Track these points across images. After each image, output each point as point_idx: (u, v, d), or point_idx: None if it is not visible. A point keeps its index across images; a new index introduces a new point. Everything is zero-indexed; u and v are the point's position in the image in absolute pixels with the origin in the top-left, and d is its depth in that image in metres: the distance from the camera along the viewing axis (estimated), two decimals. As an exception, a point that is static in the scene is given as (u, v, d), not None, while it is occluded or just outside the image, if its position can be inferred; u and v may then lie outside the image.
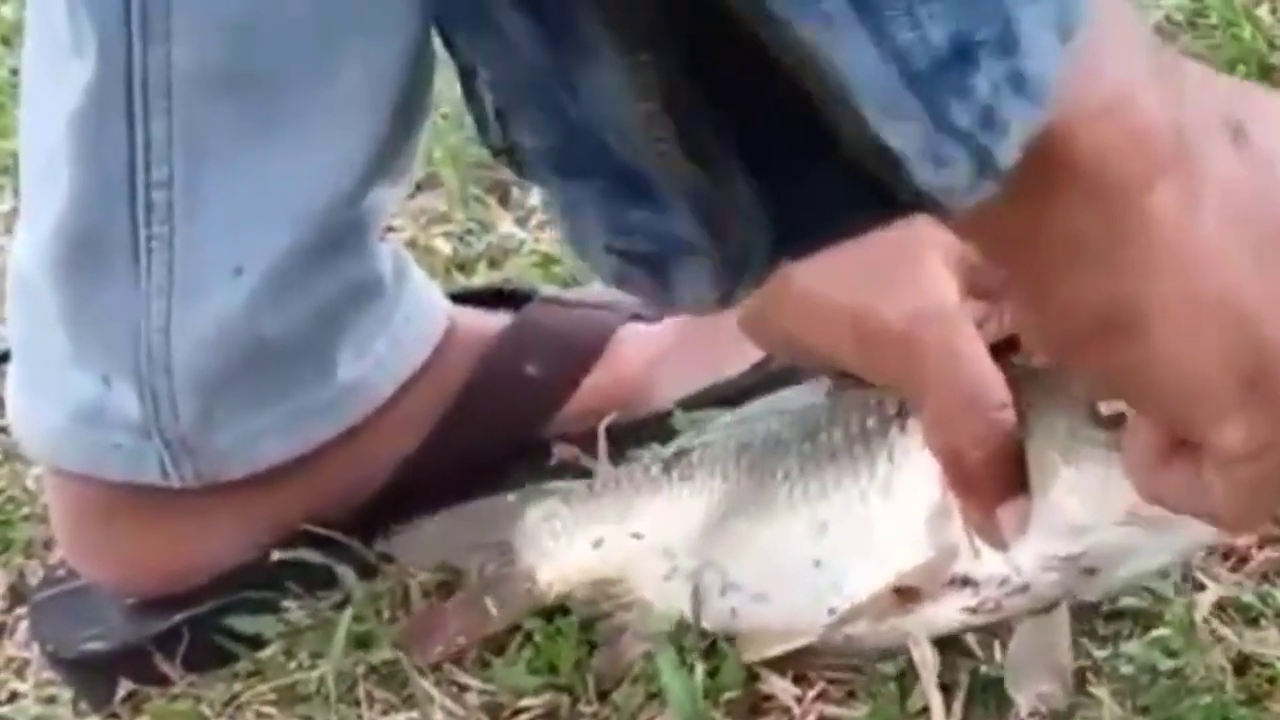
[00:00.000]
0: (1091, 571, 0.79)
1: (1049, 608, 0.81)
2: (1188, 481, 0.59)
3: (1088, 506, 0.76)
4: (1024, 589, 0.79)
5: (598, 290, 1.11)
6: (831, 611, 0.83)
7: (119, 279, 0.91)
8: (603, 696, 0.87)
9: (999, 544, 0.78)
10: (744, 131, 0.47)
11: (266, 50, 0.88)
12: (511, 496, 0.95)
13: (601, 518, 0.91)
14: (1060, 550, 0.77)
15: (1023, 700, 0.82)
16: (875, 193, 0.47)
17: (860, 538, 0.83)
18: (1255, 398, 0.56)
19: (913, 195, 0.46)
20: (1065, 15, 0.47)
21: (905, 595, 0.81)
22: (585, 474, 0.97)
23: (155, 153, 0.89)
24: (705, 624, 0.87)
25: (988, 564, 0.79)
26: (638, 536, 0.89)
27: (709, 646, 0.86)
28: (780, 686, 0.85)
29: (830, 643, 0.84)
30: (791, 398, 0.89)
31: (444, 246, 1.28)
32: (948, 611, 0.81)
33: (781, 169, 0.48)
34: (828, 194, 0.48)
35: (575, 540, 0.91)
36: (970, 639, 0.86)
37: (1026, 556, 0.78)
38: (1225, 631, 0.85)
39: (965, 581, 0.80)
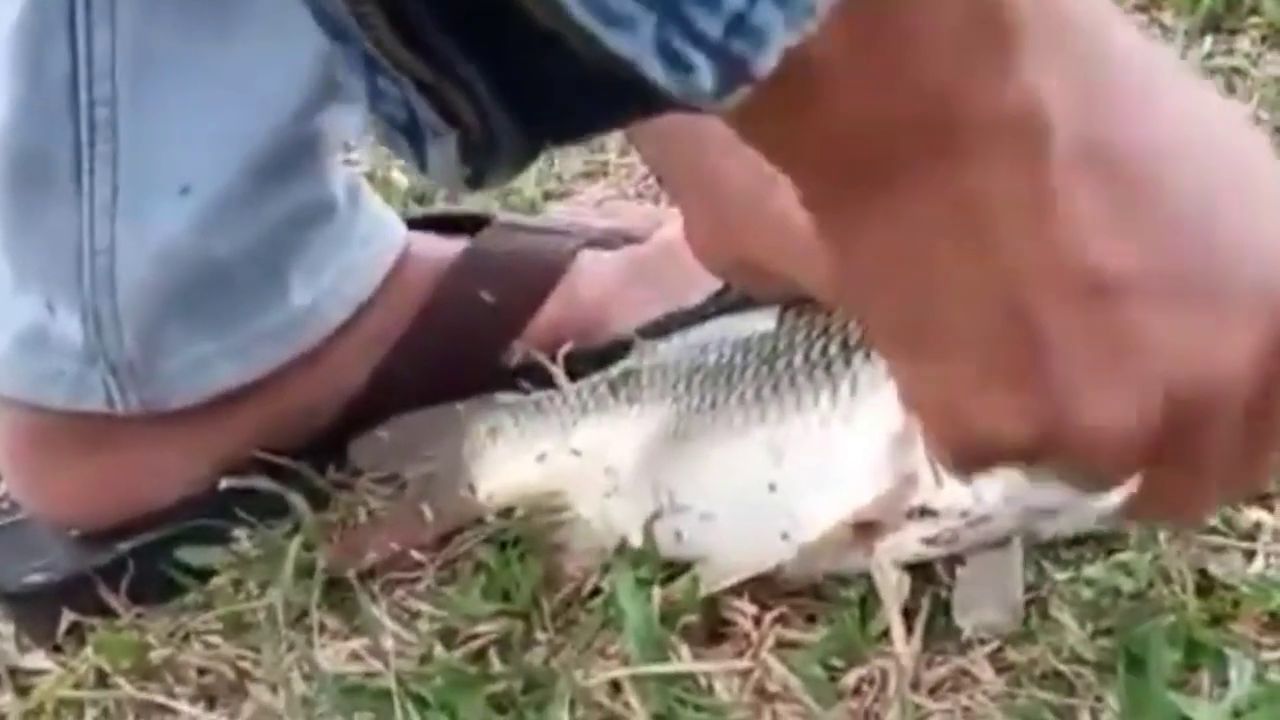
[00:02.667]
0: (1051, 512, 0.78)
1: (1004, 541, 0.79)
2: None
3: None
4: (985, 520, 0.78)
5: (556, 217, 1.10)
6: (785, 536, 0.81)
7: (61, 199, 0.89)
8: (557, 623, 0.86)
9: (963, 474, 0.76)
10: (464, 22, 0.46)
11: None
12: (461, 406, 0.94)
13: (546, 433, 0.90)
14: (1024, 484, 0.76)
15: (968, 627, 0.81)
16: (627, 87, 0.45)
17: (819, 464, 0.81)
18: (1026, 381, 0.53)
19: (664, 93, 0.45)
20: None
21: (865, 527, 0.79)
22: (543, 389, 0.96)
23: (98, 68, 0.86)
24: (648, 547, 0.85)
25: (949, 494, 0.78)
26: (577, 453, 0.88)
27: (667, 571, 0.85)
28: (739, 610, 0.83)
29: (784, 573, 0.83)
30: (743, 324, 0.88)
31: (402, 179, 1.26)
32: (906, 542, 0.80)
33: (515, 60, 0.47)
34: (573, 85, 0.46)
35: (519, 453, 0.90)
36: (936, 565, 0.84)
37: (989, 487, 0.77)
38: (1187, 555, 0.84)
39: (924, 512, 0.79)
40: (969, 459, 0.56)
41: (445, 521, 0.91)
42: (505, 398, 0.94)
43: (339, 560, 0.91)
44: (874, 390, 0.80)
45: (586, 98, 0.47)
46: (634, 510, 0.86)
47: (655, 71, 0.44)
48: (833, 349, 0.82)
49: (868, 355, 0.80)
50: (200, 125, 0.89)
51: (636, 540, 0.85)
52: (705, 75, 0.44)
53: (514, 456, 0.90)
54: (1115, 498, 0.61)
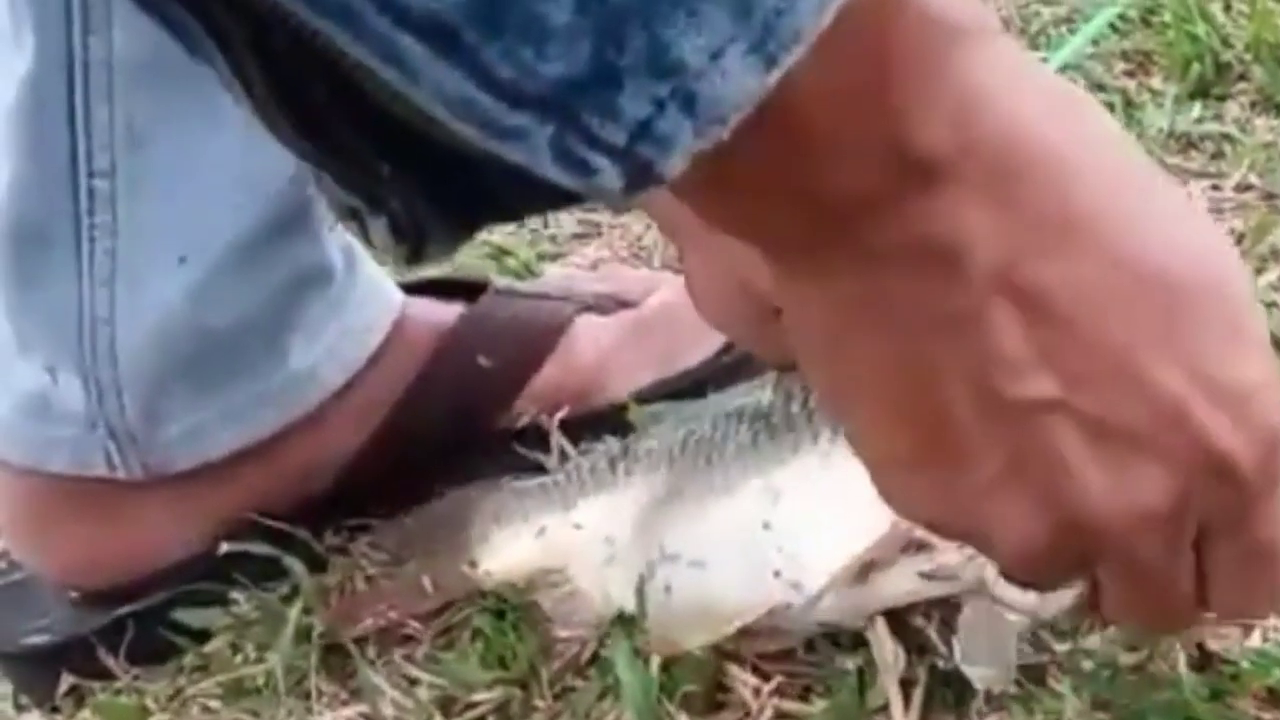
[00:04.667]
0: None
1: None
2: None
3: None
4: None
5: (552, 282, 1.10)
6: (778, 574, 0.81)
7: (62, 270, 0.90)
8: (555, 691, 0.86)
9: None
10: (375, 125, 0.48)
11: None
12: (473, 493, 0.94)
13: (548, 510, 0.90)
14: None
15: (973, 679, 0.80)
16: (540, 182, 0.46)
17: (818, 501, 0.81)
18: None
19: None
20: (764, 43, 0.44)
21: (864, 565, 0.79)
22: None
23: (96, 141, 0.87)
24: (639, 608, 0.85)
25: None
26: (579, 527, 0.88)
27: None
28: (738, 679, 0.84)
29: (783, 622, 0.82)
30: (740, 394, 0.88)
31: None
32: (904, 579, 0.79)
33: (429, 155, 0.49)
34: (493, 173, 0.47)
35: (520, 532, 0.90)
36: (931, 634, 0.85)
37: None
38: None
39: (922, 546, 0.78)
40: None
41: (444, 593, 0.91)
42: (515, 483, 0.94)
43: (335, 623, 0.91)
44: None
45: (508, 185, 0.48)
46: (630, 575, 0.86)
47: (554, 174, 0.45)
48: None
49: None
50: (197, 194, 0.90)
51: (630, 605, 0.86)
52: (610, 176, 0.45)
53: (516, 536, 0.90)
54: (1064, 598, 0.63)
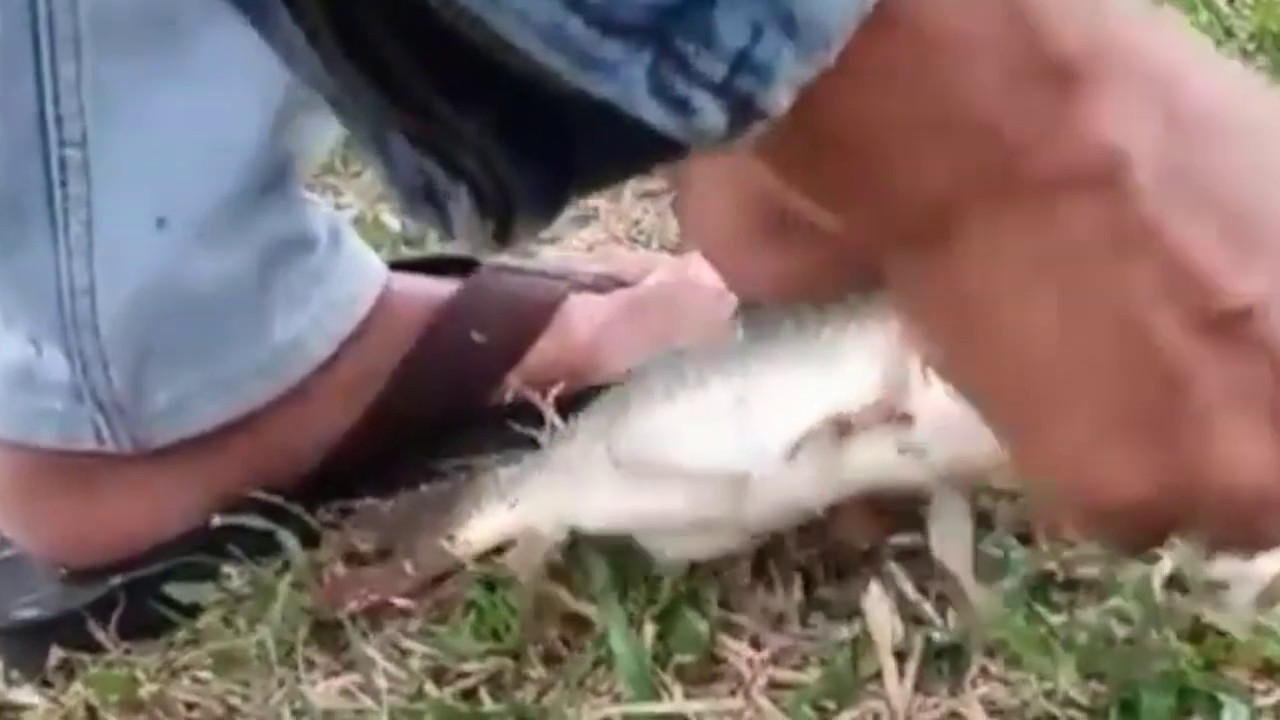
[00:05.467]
0: None
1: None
2: None
3: None
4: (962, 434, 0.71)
5: (547, 259, 1.10)
6: (743, 437, 0.78)
7: (38, 241, 0.89)
8: (548, 661, 0.86)
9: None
10: (457, 82, 0.45)
11: None
12: (449, 485, 0.95)
13: (522, 482, 0.89)
14: None
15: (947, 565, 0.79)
16: (639, 132, 0.43)
17: (799, 380, 0.77)
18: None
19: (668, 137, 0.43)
20: None
21: (843, 426, 0.76)
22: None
23: (65, 108, 0.87)
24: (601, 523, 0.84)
25: (935, 396, 0.72)
26: (550, 483, 0.87)
27: (661, 610, 0.85)
28: (732, 649, 0.83)
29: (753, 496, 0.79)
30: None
31: (392, 222, 1.27)
32: (880, 449, 0.76)
33: (515, 114, 0.46)
34: (583, 133, 0.45)
35: (498, 510, 0.89)
36: (926, 606, 0.84)
37: None
38: (1181, 600, 0.84)
39: (905, 418, 0.75)
40: (1103, 529, 0.52)
41: (423, 572, 0.90)
42: (500, 469, 0.93)
43: (322, 606, 0.91)
44: (862, 330, 0.75)
45: (599, 141, 0.46)
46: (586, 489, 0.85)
47: (651, 114, 0.42)
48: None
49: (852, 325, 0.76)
50: (171, 155, 0.89)
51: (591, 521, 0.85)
52: (711, 114, 0.42)
53: (494, 511, 0.90)
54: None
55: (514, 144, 0.46)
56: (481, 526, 0.90)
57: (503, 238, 0.48)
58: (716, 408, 0.79)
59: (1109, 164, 0.47)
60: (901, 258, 0.50)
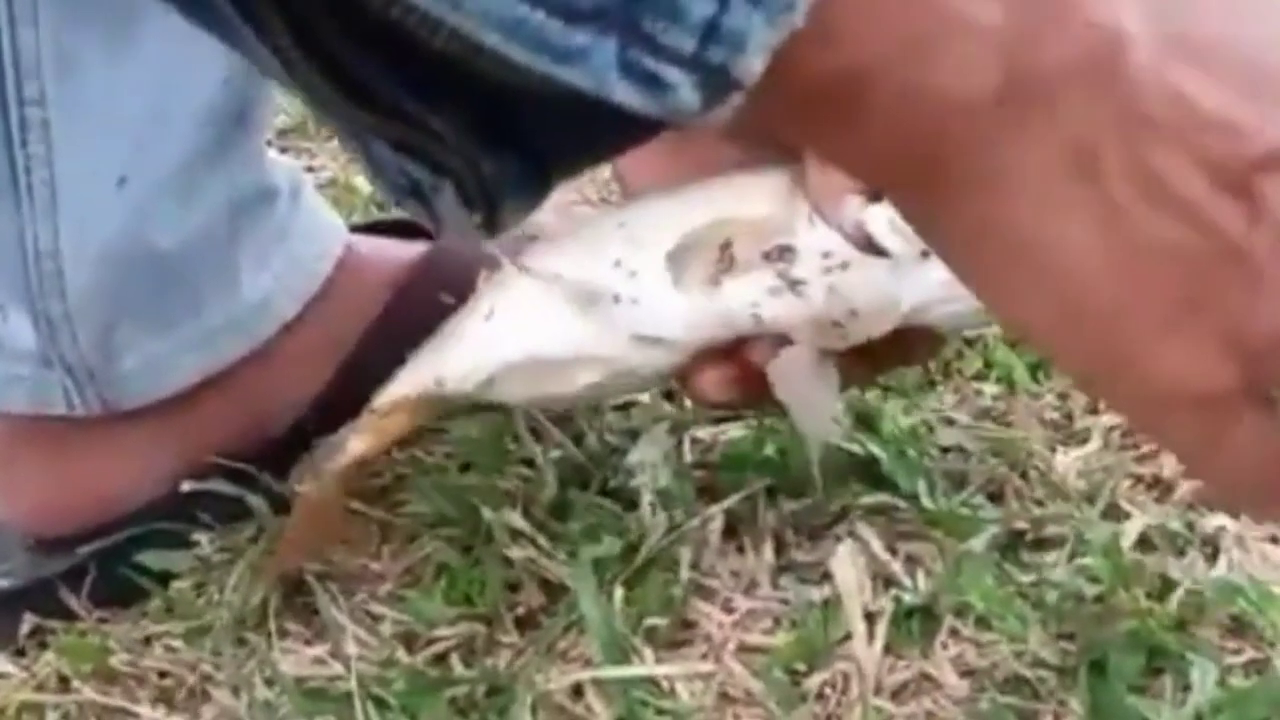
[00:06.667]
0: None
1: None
2: None
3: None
4: (843, 266, 0.73)
5: (518, 222, 1.09)
6: (617, 264, 0.77)
7: (1, 204, 0.89)
8: (520, 626, 0.86)
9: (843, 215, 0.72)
10: (420, 79, 0.45)
11: None
12: None
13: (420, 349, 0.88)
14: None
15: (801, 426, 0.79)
16: (612, 113, 0.42)
17: (685, 205, 0.76)
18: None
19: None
20: None
21: (725, 252, 0.75)
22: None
23: (25, 68, 0.86)
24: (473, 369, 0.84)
25: (817, 235, 0.73)
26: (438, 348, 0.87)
27: (632, 573, 0.85)
28: (703, 613, 0.84)
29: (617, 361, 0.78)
30: None
31: (364, 185, 1.26)
32: (756, 287, 0.75)
33: (486, 104, 0.45)
34: (555, 116, 0.44)
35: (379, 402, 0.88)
36: (895, 567, 0.85)
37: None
38: (1150, 559, 0.84)
39: (784, 251, 0.74)
40: (1164, 426, 0.50)
41: (323, 490, 0.88)
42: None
43: (280, 563, 0.90)
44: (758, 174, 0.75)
45: (573, 126, 0.45)
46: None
47: (624, 96, 0.42)
48: None
49: None
50: (131, 112, 0.89)
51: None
52: (685, 91, 0.42)
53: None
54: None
55: (492, 139, 0.46)
56: (361, 428, 0.89)
57: (490, 226, 0.48)
58: (601, 232, 0.79)
59: (1106, 50, 0.46)
60: (915, 197, 0.48)
